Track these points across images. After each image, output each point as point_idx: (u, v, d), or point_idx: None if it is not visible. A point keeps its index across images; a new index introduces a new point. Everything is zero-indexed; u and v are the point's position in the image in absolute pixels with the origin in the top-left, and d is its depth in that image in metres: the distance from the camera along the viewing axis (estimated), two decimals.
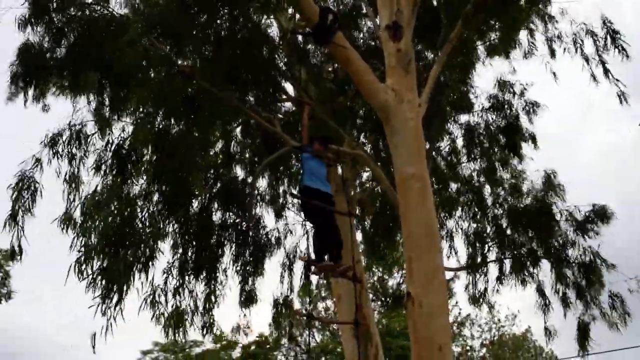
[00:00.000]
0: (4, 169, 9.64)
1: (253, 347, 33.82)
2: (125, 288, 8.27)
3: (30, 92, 9.74)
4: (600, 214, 11.23)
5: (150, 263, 8.70)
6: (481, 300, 12.15)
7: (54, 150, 9.01)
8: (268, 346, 33.52)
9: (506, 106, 11.87)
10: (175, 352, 35.71)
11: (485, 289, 11.99)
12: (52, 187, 9.13)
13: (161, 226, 8.86)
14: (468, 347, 39.33)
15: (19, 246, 8.58)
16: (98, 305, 8.22)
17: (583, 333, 11.05)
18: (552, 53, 11.00)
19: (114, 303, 8.22)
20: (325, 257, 6.79)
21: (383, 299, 33.71)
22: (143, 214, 8.75)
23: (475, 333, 39.45)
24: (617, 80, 9.51)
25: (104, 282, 8.09)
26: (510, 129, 11.64)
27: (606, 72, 9.59)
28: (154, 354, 35.80)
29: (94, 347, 8.32)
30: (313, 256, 6.84)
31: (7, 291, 28.24)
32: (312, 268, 6.95)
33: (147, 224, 8.74)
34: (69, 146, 9.00)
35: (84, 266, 8.02)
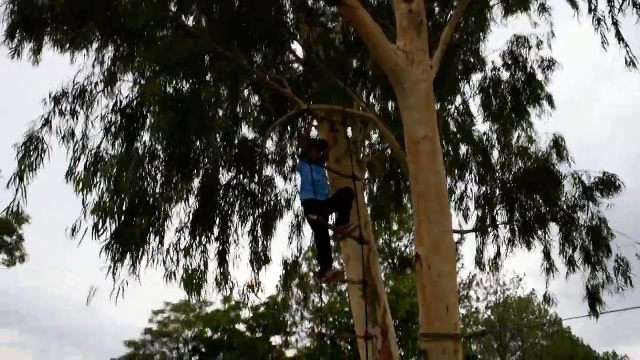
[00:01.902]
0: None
1: (262, 309, 34.46)
2: (139, 253, 8.32)
3: (28, 46, 9.64)
4: (609, 184, 11.12)
5: (164, 225, 8.73)
6: (489, 263, 12.19)
7: (60, 109, 8.94)
8: (277, 307, 34.15)
9: (521, 62, 11.62)
10: (186, 311, 36.46)
11: (498, 252, 11.98)
12: (61, 150, 9.12)
13: (173, 188, 8.83)
14: (474, 309, 39.91)
15: (17, 205, 8.58)
16: (109, 269, 8.29)
17: (593, 297, 11.05)
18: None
19: (128, 267, 8.30)
20: (332, 264, 7.11)
21: (390, 261, 34.06)
22: (154, 175, 8.71)
23: (481, 295, 40.00)
24: (627, 45, 9.22)
25: (117, 247, 8.12)
26: (526, 86, 11.40)
27: (618, 34, 9.30)
28: (165, 314, 36.64)
29: (88, 300, 8.43)
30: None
31: (21, 254, 28.79)
32: (323, 278, 7.13)
33: (160, 185, 8.72)
34: (74, 104, 8.91)
35: (100, 228, 8.02)
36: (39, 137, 8.72)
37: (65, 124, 9.01)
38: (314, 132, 10.81)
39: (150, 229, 8.59)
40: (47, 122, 8.84)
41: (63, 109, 8.93)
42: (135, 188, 8.17)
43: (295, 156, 11.87)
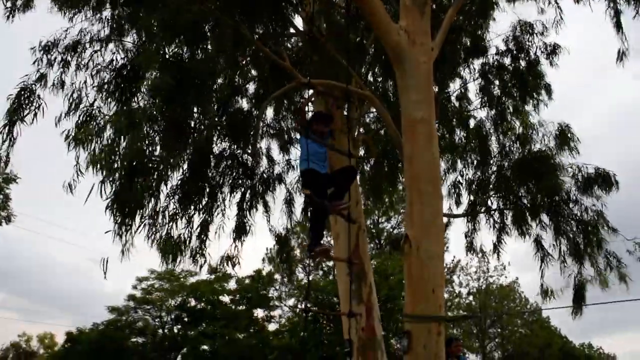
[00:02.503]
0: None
1: (247, 281, 34.64)
2: (140, 214, 8.27)
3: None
4: (603, 181, 11.06)
5: (159, 189, 8.68)
6: (478, 248, 12.16)
7: (49, 59, 8.78)
8: (262, 281, 34.33)
9: (524, 48, 11.49)
10: (170, 280, 36.55)
11: (499, 238, 11.81)
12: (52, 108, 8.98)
13: (169, 152, 8.76)
14: (456, 294, 40.37)
15: (7, 156, 8.49)
16: (114, 231, 8.23)
17: (579, 292, 11.06)
18: None
19: (131, 227, 8.25)
20: (322, 240, 6.99)
21: (376, 241, 34.28)
22: (152, 137, 8.62)
23: (464, 281, 40.46)
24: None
25: (120, 207, 8.06)
26: (526, 74, 11.28)
27: (618, 25, 9.21)
28: (150, 281, 36.70)
29: (105, 273, 8.43)
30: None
31: (7, 214, 28.58)
32: (312, 253, 7.07)
33: (157, 149, 8.65)
34: (65, 54, 8.74)
35: (103, 188, 7.94)
36: (32, 89, 8.61)
37: (57, 75, 8.86)
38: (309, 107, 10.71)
39: (146, 193, 8.53)
40: (42, 76, 8.70)
41: (52, 59, 8.77)
42: (134, 149, 8.06)
43: (291, 130, 11.80)
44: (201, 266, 10.11)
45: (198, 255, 9.99)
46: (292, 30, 10.75)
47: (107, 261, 8.41)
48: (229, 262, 10.51)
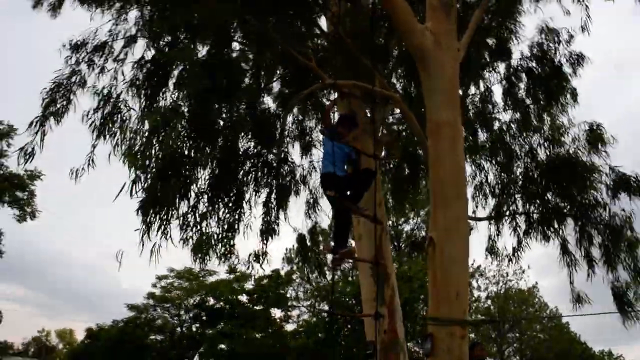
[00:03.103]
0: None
1: (265, 281, 34.73)
2: (170, 215, 8.28)
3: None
4: (630, 185, 10.64)
5: (189, 188, 8.70)
6: (503, 252, 11.94)
7: (77, 59, 8.89)
8: (280, 281, 34.39)
9: (550, 55, 11.30)
10: (189, 279, 36.80)
11: (519, 242, 11.53)
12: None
13: (199, 151, 8.78)
14: (474, 298, 40.01)
15: (32, 149, 8.59)
16: (142, 230, 8.25)
17: (620, 300, 10.66)
18: None
19: (158, 229, 8.26)
20: (348, 243, 7.02)
21: (395, 243, 34.13)
22: (183, 136, 8.64)
23: (482, 285, 40.11)
24: None
25: (151, 207, 8.06)
26: (553, 79, 11.09)
27: None
28: (169, 280, 36.99)
29: (120, 263, 8.38)
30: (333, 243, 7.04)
31: (32, 210, 29.05)
32: (336, 255, 7.07)
33: (187, 148, 8.67)
34: (92, 54, 8.84)
35: (134, 188, 7.96)
36: (66, 86, 8.73)
37: (92, 77, 8.98)
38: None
39: (177, 193, 8.54)
40: (74, 72, 8.82)
41: (80, 58, 8.89)
42: (166, 148, 8.05)
43: (318, 131, 11.80)
44: (232, 266, 10.12)
45: (228, 253, 10.00)
46: (317, 31, 10.77)
47: (122, 254, 8.38)
48: (258, 259, 10.54)
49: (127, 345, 33.69)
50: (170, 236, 8.89)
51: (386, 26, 10.25)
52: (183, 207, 8.91)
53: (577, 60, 11.44)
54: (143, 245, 8.24)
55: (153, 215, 8.10)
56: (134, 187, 7.85)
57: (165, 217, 8.27)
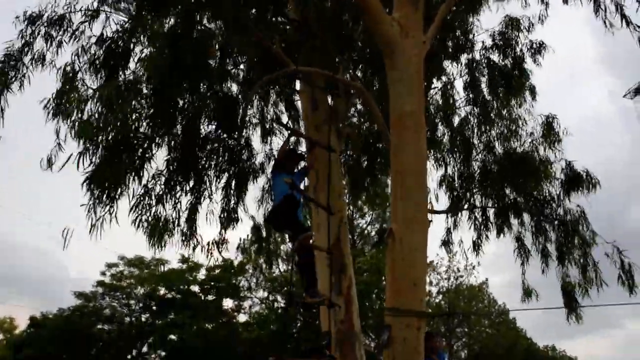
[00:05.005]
0: None
1: (217, 271, 34.35)
2: (118, 192, 7.98)
3: None
4: (583, 181, 10.90)
5: (142, 168, 8.43)
6: (458, 246, 12.07)
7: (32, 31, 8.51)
8: (233, 271, 34.08)
9: (511, 44, 11.42)
10: (140, 267, 36.05)
11: (479, 235, 11.63)
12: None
13: (156, 129, 8.52)
14: (426, 292, 40.69)
15: None
16: (89, 205, 7.92)
17: (569, 296, 10.89)
18: None
19: (106, 206, 7.97)
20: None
21: (350, 237, 34.33)
22: (139, 113, 8.35)
23: (434, 280, 40.79)
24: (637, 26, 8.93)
25: (99, 181, 7.75)
26: (512, 73, 11.23)
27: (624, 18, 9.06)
28: (119, 267, 36.13)
29: (65, 243, 8.00)
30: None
31: None
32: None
33: (144, 124, 8.40)
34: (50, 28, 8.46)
35: (82, 160, 7.62)
36: (17, 57, 8.33)
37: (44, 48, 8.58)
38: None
39: (128, 170, 8.26)
40: (27, 44, 8.41)
41: (37, 32, 8.49)
42: (121, 122, 7.75)
43: (273, 121, 11.69)
44: (193, 247, 9.93)
45: (186, 238, 9.80)
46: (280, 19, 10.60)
47: (69, 232, 8.02)
48: (217, 247, 10.36)
49: (73, 335, 32.75)
50: (116, 215, 8.57)
51: (352, 15, 10.17)
52: (135, 187, 8.61)
53: (538, 48, 11.55)
54: (92, 226, 7.92)
55: (100, 191, 7.79)
56: (82, 159, 7.54)
57: (113, 194, 7.95)
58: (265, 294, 34.31)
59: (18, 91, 8.33)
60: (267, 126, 11.65)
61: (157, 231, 9.12)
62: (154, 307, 35.45)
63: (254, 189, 11.79)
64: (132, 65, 8.28)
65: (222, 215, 10.24)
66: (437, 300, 41.08)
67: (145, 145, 8.47)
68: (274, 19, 9.84)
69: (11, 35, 8.71)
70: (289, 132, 8.11)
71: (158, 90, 8.18)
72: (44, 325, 34.88)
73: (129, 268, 36.32)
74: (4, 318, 53.79)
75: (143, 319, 36.08)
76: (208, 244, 10.35)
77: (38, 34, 8.53)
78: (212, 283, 35.01)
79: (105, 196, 7.96)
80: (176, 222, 9.55)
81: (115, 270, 36.14)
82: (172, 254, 23.78)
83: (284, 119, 11.90)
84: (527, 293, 11.42)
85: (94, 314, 35.29)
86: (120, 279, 36.10)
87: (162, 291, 35.77)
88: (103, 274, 35.97)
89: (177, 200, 9.41)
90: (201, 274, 35.57)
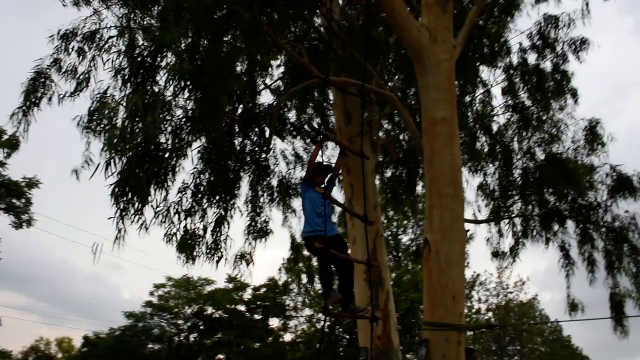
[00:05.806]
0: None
1: (263, 290, 34.39)
2: (144, 200, 7.94)
3: None
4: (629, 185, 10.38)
5: (168, 180, 8.42)
6: (504, 254, 11.56)
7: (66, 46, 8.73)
8: (277, 290, 34.03)
9: (550, 44, 10.78)
10: (187, 288, 36.46)
11: (517, 242, 11.18)
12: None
13: (182, 141, 8.50)
14: (474, 310, 39.55)
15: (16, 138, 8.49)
16: (115, 215, 7.93)
17: (618, 306, 10.44)
18: None
19: (133, 216, 7.97)
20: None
21: (394, 253, 33.80)
22: (166, 125, 8.37)
23: (482, 297, 39.68)
24: None
25: (124, 191, 7.73)
26: (552, 76, 10.69)
27: None
28: (167, 288, 36.64)
29: (94, 254, 7.97)
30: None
31: (29, 217, 28.77)
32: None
33: (170, 136, 8.40)
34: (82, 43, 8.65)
35: (109, 169, 7.65)
36: (46, 74, 8.56)
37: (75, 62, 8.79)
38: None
39: (154, 181, 8.23)
40: (56, 61, 8.63)
41: (70, 48, 8.69)
42: (149, 132, 7.70)
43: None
44: (217, 261, 9.76)
45: (214, 251, 9.67)
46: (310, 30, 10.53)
47: (101, 246, 8.03)
48: (243, 260, 10.23)
49: (124, 354, 33.26)
50: (146, 225, 8.54)
51: (382, 23, 10.02)
52: (159, 198, 8.57)
53: (581, 44, 10.84)
54: (120, 236, 7.90)
55: (125, 202, 7.79)
56: (108, 169, 7.57)
57: (140, 206, 7.94)
58: (311, 312, 34.08)
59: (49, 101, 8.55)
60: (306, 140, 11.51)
61: (186, 245, 9.06)
62: (202, 327, 35.69)
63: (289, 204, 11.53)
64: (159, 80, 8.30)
65: (250, 229, 10.06)
66: (486, 317, 39.91)
67: (172, 155, 8.44)
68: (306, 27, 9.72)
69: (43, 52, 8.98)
70: (321, 136, 7.92)
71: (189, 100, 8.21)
72: (96, 344, 35.59)
73: (176, 288, 36.76)
74: (62, 338, 55.36)
75: (191, 339, 36.35)
76: (235, 258, 10.13)
77: (72, 49, 8.73)
78: (258, 302, 35.03)
79: (129, 206, 7.95)
80: (205, 235, 9.44)
81: (162, 291, 36.67)
82: (221, 273, 23.84)
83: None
84: (573, 307, 10.87)
85: (143, 333, 35.80)
86: (168, 299, 36.57)
87: (210, 310, 36.00)
88: (151, 294, 36.57)
89: (204, 214, 9.33)
90: (247, 294, 35.69)
